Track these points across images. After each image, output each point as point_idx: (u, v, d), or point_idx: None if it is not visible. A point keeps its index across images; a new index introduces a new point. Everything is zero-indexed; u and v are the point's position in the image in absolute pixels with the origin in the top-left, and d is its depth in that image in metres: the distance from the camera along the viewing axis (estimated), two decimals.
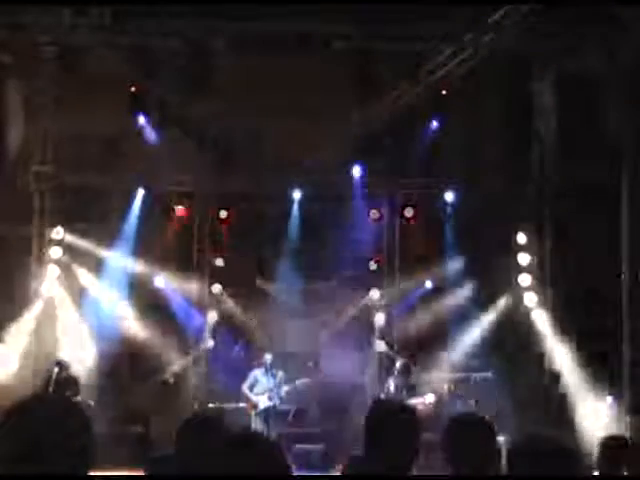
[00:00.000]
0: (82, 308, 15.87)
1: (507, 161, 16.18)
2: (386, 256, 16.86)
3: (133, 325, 16.11)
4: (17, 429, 2.19)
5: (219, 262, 16.44)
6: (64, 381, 13.35)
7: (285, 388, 13.83)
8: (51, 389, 13.04)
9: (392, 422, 3.44)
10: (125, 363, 15.80)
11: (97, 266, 16.05)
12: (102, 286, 16.07)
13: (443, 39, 13.74)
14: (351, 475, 4.18)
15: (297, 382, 14.05)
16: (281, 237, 16.51)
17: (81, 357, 15.28)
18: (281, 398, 13.74)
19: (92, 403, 13.71)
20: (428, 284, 16.53)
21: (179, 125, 15.44)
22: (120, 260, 16.16)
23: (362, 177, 16.11)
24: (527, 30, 13.39)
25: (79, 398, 13.33)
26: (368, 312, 16.79)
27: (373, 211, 16.66)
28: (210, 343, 16.25)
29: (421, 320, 16.42)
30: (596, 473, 5.25)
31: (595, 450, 5.21)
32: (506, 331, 15.84)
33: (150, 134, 15.43)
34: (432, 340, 16.32)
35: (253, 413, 13.64)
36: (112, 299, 16.08)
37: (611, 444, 5.28)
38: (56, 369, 13.57)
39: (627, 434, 12.56)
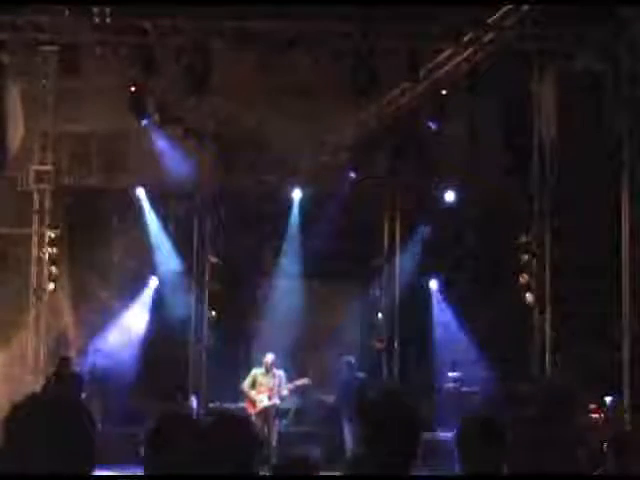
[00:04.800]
0: (82, 307, 15.88)
1: (507, 161, 16.17)
2: (386, 255, 16.88)
3: (134, 324, 16.13)
4: (19, 428, 2.19)
5: (219, 261, 16.46)
6: (67, 378, 13.37)
7: (285, 388, 13.81)
8: (54, 386, 13.05)
9: (391, 421, 3.44)
10: (125, 362, 15.80)
11: (97, 265, 16.06)
12: (102, 285, 16.08)
13: (443, 39, 13.73)
14: (351, 475, 4.18)
15: (297, 382, 14.04)
16: (281, 236, 16.53)
17: (82, 356, 15.29)
18: (282, 398, 13.73)
19: (94, 397, 13.75)
20: (429, 283, 16.57)
21: (179, 124, 15.44)
22: (121, 260, 16.19)
23: (362, 177, 16.11)
24: (527, 30, 13.39)
25: (83, 395, 13.36)
26: (369, 310, 16.80)
27: (373, 211, 16.67)
28: (210, 342, 16.26)
29: (421, 319, 16.45)
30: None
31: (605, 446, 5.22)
32: (506, 330, 15.84)
33: (150, 134, 15.43)
34: (433, 338, 16.35)
35: (253, 413, 13.62)
36: (112, 298, 16.10)
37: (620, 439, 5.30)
38: (60, 366, 13.61)
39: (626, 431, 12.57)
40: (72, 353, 15.18)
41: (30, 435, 2.17)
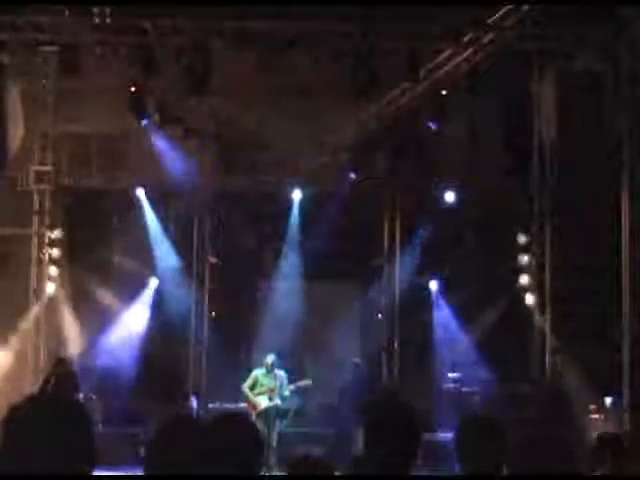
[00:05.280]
0: (82, 307, 15.88)
1: (507, 161, 16.18)
2: (386, 255, 16.88)
3: (133, 325, 16.13)
4: (18, 429, 2.19)
5: (219, 262, 16.46)
6: (63, 377, 13.37)
7: (287, 389, 13.78)
8: (51, 386, 13.06)
9: (391, 422, 3.44)
10: (125, 362, 15.80)
11: (97, 265, 16.05)
12: (102, 285, 16.08)
13: (443, 39, 13.73)
14: (351, 475, 4.18)
15: (299, 383, 14.02)
16: (281, 236, 16.53)
17: (82, 356, 15.30)
18: (283, 399, 13.70)
19: (94, 397, 13.73)
20: (429, 283, 16.57)
21: (179, 125, 15.44)
22: (121, 260, 16.19)
23: (362, 177, 16.10)
24: (527, 30, 13.39)
25: (81, 395, 13.37)
26: (369, 311, 16.80)
27: (373, 211, 16.67)
28: (210, 343, 16.26)
29: (421, 319, 16.46)
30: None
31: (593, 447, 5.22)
32: (506, 331, 15.84)
33: (150, 134, 15.43)
34: (433, 339, 16.35)
35: (254, 414, 13.60)
36: (112, 298, 16.10)
37: (606, 440, 5.30)
38: (56, 366, 13.61)
39: (626, 432, 12.57)
40: (72, 353, 15.18)
41: (29, 436, 2.17)
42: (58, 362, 13.80)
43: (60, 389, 12.74)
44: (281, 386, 13.70)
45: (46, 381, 13.36)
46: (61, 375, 13.40)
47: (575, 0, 12.67)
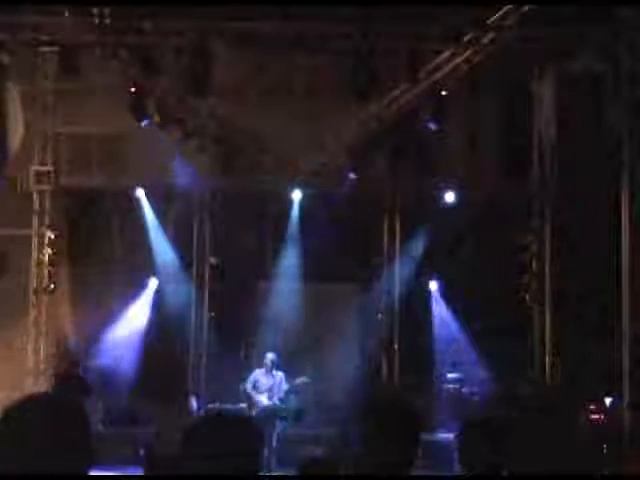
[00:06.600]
0: (82, 308, 15.88)
1: (507, 161, 16.18)
2: (386, 255, 16.88)
3: (133, 325, 16.13)
4: (17, 428, 2.18)
5: (219, 261, 16.46)
6: (74, 380, 13.37)
7: (285, 389, 13.78)
8: (59, 387, 13.05)
9: (391, 422, 3.44)
10: (125, 363, 15.80)
11: (97, 266, 16.05)
12: (102, 286, 16.07)
13: (443, 39, 13.73)
14: (351, 475, 4.18)
15: (297, 381, 14.02)
16: (281, 236, 16.52)
17: (82, 356, 15.29)
18: (282, 399, 13.71)
19: (94, 397, 13.74)
20: (429, 283, 16.57)
21: (179, 125, 15.43)
22: (121, 260, 16.19)
23: (361, 177, 16.10)
24: (527, 30, 13.39)
25: (88, 398, 13.36)
26: (369, 310, 16.79)
27: (373, 211, 16.66)
28: (210, 343, 16.25)
29: (421, 319, 16.46)
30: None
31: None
32: (506, 330, 15.85)
33: (150, 134, 15.41)
34: (433, 339, 16.35)
35: (254, 413, 13.60)
36: (112, 299, 16.09)
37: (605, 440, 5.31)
38: (68, 368, 13.62)
39: (626, 431, 12.58)
40: (72, 354, 15.18)
41: (26, 435, 2.17)
42: (71, 364, 13.81)
43: (68, 389, 12.72)
44: (280, 386, 13.70)
45: (57, 382, 13.37)
46: (72, 377, 13.41)
47: (575, 0, 12.67)
